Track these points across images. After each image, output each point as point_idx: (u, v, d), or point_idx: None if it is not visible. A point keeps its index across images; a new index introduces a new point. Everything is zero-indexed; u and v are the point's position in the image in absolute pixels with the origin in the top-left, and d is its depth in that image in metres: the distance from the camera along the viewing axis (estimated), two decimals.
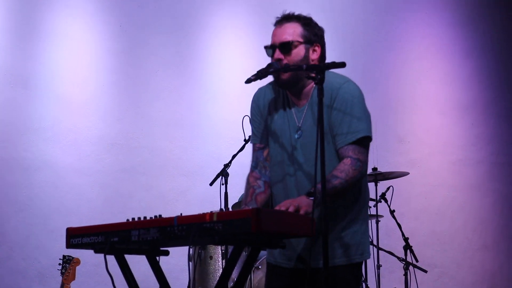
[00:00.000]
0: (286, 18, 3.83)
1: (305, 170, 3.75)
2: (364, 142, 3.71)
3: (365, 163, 3.70)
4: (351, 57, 8.16)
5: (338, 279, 3.64)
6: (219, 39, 8.54)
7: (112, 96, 7.99)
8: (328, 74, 3.59)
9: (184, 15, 8.41)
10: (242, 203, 3.92)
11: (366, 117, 3.74)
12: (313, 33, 3.81)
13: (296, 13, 3.87)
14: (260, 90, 4.01)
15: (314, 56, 3.80)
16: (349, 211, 3.74)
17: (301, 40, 3.76)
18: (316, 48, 3.81)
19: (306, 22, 3.82)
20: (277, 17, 3.86)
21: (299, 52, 3.76)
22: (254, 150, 4.03)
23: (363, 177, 3.71)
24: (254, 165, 3.99)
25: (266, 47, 3.83)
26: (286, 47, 3.75)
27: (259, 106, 3.99)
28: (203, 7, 8.52)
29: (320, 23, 3.90)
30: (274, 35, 3.83)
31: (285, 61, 3.74)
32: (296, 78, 3.76)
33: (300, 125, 3.80)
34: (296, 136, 3.79)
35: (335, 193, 3.48)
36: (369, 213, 7.26)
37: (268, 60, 3.84)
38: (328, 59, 3.63)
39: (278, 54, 3.76)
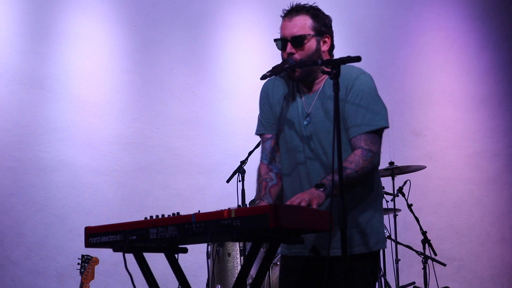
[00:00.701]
0: (296, 10, 3.79)
1: (315, 158, 3.73)
2: (377, 133, 3.68)
3: (377, 153, 3.65)
4: (366, 52, 8.05)
5: (355, 269, 3.59)
6: (233, 36, 8.54)
7: (127, 95, 8.00)
8: (345, 66, 3.59)
9: (198, 13, 8.41)
10: (256, 197, 3.89)
11: (381, 108, 3.71)
12: (323, 24, 3.78)
13: (303, 2, 3.84)
14: (269, 80, 3.99)
15: (324, 47, 3.79)
16: (362, 201, 3.72)
17: (312, 33, 3.74)
18: (326, 39, 3.80)
19: (315, 13, 3.79)
20: (285, 9, 3.83)
21: (311, 45, 3.74)
22: (263, 141, 4.01)
23: (374, 168, 3.66)
24: (264, 157, 3.97)
25: (276, 40, 3.81)
26: (299, 41, 3.73)
27: (268, 95, 3.99)
28: (217, 5, 8.52)
29: (334, 18, 3.89)
30: (284, 28, 3.80)
31: (297, 55, 3.72)
32: (309, 72, 3.76)
33: (309, 112, 3.78)
34: (305, 122, 3.78)
35: (345, 184, 3.40)
36: (385, 206, 7.31)
37: (280, 54, 3.83)
38: (343, 54, 3.61)
39: (290, 48, 3.74)
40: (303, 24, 3.75)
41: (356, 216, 3.69)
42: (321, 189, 3.41)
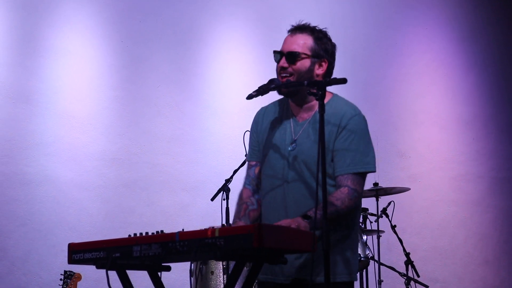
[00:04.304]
0: (300, 28, 3.86)
1: (296, 184, 3.76)
2: (363, 175, 3.74)
3: (361, 194, 3.72)
4: (352, 72, 8.16)
5: None
6: (220, 54, 8.55)
7: (113, 111, 7.99)
8: (342, 101, 3.68)
9: (185, 30, 8.43)
10: (235, 217, 3.91)
11: (370, 151, 3.76)
12: (323, 49, 3.83)
13: (312, 24, 3.90)
14: (262, 108, 4.05)
15: (319, 71, 3.82)
16: (340, 234, 3.73)
17: (308, 53, 3.79)
18: (323, 63, 3.83)
19: (319, 36, 3.84)
20: (292, 25, 3.89)
21: (304, 63, 3.78)
22: (248, 167, 4.05)
23: (357, 207, 3.75)
24: (248, 182, 4.00)
25: (275, 52, 3.85)
26: (293, 57, 3.78)
27: (257, 124, 4.02)
28: (204, 22, 8.54)
29: None
30: (284, 42, 3.86)
31: (289, 69, 3.77)
32: (297, 90, 3.79)
33: (296, 138, 3.81)
34: (289, 148, 3.80)
35: (329, 219, 3.39)
36: (369, 227, 7.33)
37: (268, 74, 3.87)
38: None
39: (283, 62, 3.79)
40: (302, 43, 3.81)
41: (337, 246, 3.71)
42: (307, 221, 3.43)
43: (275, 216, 3.73)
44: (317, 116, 3.71)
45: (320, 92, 3.42)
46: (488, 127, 9.40)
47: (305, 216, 3.46)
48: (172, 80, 8.28)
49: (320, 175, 3.32)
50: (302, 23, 3.89)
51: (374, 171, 3.77)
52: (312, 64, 3.80)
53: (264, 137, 3.94)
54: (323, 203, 3.31)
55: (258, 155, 3.98)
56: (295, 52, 3.78)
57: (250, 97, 3.69)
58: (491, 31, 9.66)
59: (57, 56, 7.84)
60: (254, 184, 3.97)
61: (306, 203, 3.66)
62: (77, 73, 7.90)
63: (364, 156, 3.71)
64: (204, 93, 8.40)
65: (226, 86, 8.45)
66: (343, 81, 3.44)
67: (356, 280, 3.86)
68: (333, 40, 3.93)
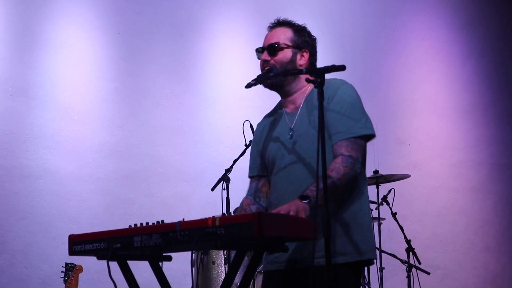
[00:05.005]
0: (279, 23, 3.91)
1: (297, 165, 3.74)
2: (359, 140, 3.67)
3: (357, 159, 3.62)
4: (351, 61, 8.17)
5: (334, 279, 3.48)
6: (218, 45, 8.55)
7: (112, 103, 7.99)
8: (328, 79, 3.61)
9: (183, 21, 8.42)
10: None
11: (362, 116, 3.72)
12: (303, 40, 3.86)
13: (293, 20, 3.92)
14: (261, 121, 4.09)
15: (301, 61, 3.84)
16: (346, 208, 3.68)
17: (289, 43, 3.82)
18: (304, 54, 3.85)
19: (298, 29, 3.88)
20: (271, 23, 3.93)
21: (285, 54, 3.81)
22: (250, 182, 4.05)
23: (356, 174, 3.63)
24: (249, 194, 4.01)
25: (257, 50, 3.89)
26: (273, 49, 3.81)
27: (256, 138, 4.07)
28: (202, 13, 8.53)
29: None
30: (265, 38, 3.90)
31: (271, 62, 3.80)
32: (280, 81, 3.81)
33: (292, 126, 3.81)
34: (288, 136, 3.80)
35: (329, 193, 3.34)
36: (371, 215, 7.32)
37: None
38: (328, 63, 3.62)
39: (265, 55, 3.83)
40: (281, 34, 3.85)
41: (340, 224, 3.65)
42: (306, 201, 3.39)
43: (284, 199, 3.67)
44: (308, 100, 3.78)
45: (319, 80, 3.41)
46: (487, 114, 9.40)
47: (302, 197, 3.42)
48: (171, 72, 8.27)
49: (320, 168, 3.31)
50: (280, 19, 3.92)
51: (369, 134, 3.70)
52: (294, 55, 3.82)
53: (264, 143, 3.95)
54: (323, 179, 3.27)
55: (259, 169, 3.99)
56: (275, 43, 3.81)
57: (249, 85, 3.71)
58: (490, 18, 9.65)
59: (55, 49, 7.82)
60: (256, 196, 3.97)
61: (309, 184, 3.60)
62: (75, 65, 7.89)
63: (356, 121, 3.68)
64: (202, 84, 8.40)
65: (225, 76, 8.44)
66: (341, 68, 3.43)
67: (374, 258, 3.73)
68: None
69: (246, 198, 4.01)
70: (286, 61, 3.79)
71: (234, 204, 6.22)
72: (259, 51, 3.86)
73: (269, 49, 3.81)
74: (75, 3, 8.03)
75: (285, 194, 3.70)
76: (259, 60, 3.87)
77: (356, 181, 3.70)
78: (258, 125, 4.12)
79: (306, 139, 3.72)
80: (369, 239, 3.72)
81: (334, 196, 3.54)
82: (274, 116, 3.99)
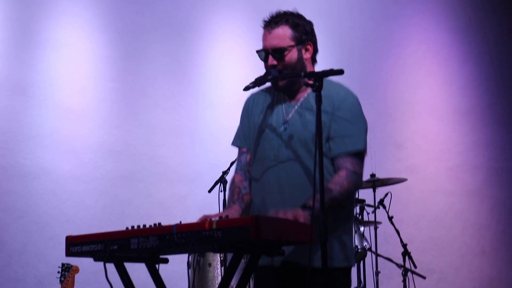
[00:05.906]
0: (275, 22, 3.80)
1: (288, 165, 3.74)
2: (361, 155, 3.73)
3: (360, 176, 3.70)
4: (349, 64, 8.17)
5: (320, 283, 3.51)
6: (217, 46, 8.55)
7: (110, 103, 7.98)
8: (332, 84, 3.63)
9: (182, 21, 8.41)
10: (229, 201, 3.91)
11: (365, 132, 3.76)
12: (303, 32, 3.81)
13: (283, 11, 3.85)
14: (252, 94, 4.05)
15: (307, 55, 3.83)
16: (337, 218, 3.71)
17: (292, 43, 3.77)
18: (308, 46, 3.83)
19: (295, 22, 3.80)
20: (265, 20, 3.84)
21: (292, 56, 3.77)
22: (239, 154, 4.04)
23: (357, 189, 3.74)
24: (239, 168, 4.00)
25: (258, 51, 3.84)
26: (279, 52, 3.76)
27: (248, 109, 4.03)
28: (201, 14, 8.52)
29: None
30: (264, 39, 3.82)
31: (279, 66, 3.75)
32: (293, 82, 3.80)
33: (287, 119, 3.81)
34: (281, 129, 3.80)
35: (330, 205, 3.44)
36: (366, 218, 7.34)
37: (262, 64, 3.86)
38: (326, 65, 3.63)
39: (271, 60, 3.77)
40: (282, 36, 3.77)
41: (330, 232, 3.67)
42: (307, 211, 3.39)
43: (270, 199, 3.74)
44: (310, 98, 3.75)
45: (317, 84, 3.41)
46: (485, 118, 9.41)
47: (304, 207, 3.44)
48: (169, 72, 8.27)
49: (317, 169, 3.32)
50: (273, 14, 3.84)
51: (366, 150, 3.75)
52: (299, 52, 3.79)
53: (256, 120, 3.93)
54: (321, 192, 3.30)
55: (249, 142, 3.98)
56: (280, 48, 3.76)
57: (247, 88, 3.69)
58: (487, 22, 9.67)
59: (54, 48, 7.82)
60: (246, 170, 3.97)
61: (301, 182, 3.66)
62: (73, 65, 7.89)
63: (361, 137, 3.71)
64: (201, 85, 8.40)
65: (223, 77, 8.44)
66: (339, 72, 3.43)
67: (353, 265, 3.85)
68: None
69: (236, 173, 4.00)
70: (295, 62, 3.76)
71: None
72: (263, 56, 3.80)
73: (274, 54, 3.76)
74: (74, 2, 8.02)
75: (274, 198, 3.73)
76: (262, 61, 3.84)
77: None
78: (249, 99, 4.07)
79: (299, 141, 3.73)
80: (352, 246, 3.84)
81: (333, 209, 3.58)
82: (271, 95, 3.95)
